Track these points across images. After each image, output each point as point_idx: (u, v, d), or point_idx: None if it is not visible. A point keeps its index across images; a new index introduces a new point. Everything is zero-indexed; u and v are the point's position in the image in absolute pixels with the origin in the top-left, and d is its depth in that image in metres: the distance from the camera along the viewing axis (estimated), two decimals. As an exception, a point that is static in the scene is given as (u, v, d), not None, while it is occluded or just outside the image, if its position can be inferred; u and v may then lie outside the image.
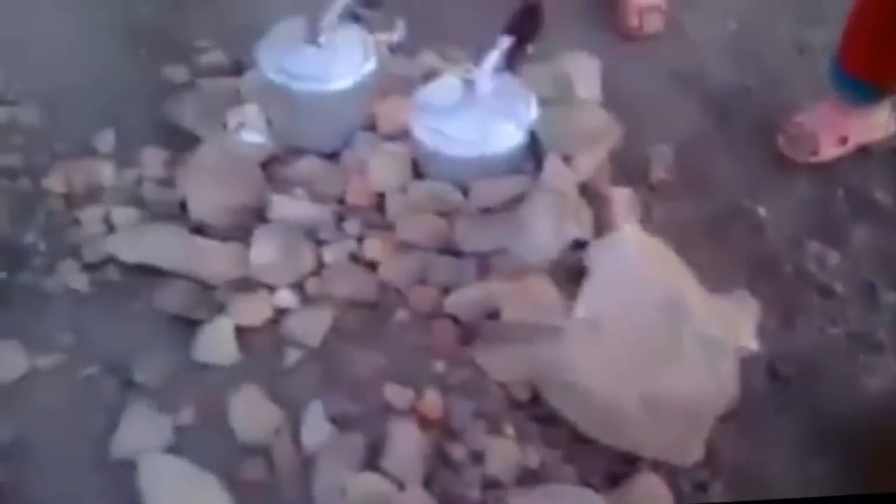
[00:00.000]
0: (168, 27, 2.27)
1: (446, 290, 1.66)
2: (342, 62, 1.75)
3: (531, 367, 1.52)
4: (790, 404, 1.60)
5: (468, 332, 1.63)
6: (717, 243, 1.82)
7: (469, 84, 1.68)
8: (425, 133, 1.69)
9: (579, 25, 2.23)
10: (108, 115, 2.03)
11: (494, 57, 1.70)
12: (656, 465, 1.47)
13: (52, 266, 1.77)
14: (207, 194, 1.74)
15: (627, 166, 1.88)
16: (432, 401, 1.52)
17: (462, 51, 2.11)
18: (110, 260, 1.75)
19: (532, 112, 1.71)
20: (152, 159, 1.92)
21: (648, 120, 1.98)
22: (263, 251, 1.64)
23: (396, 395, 1.54)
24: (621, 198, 1.72)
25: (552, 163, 1.62)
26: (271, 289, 1.65)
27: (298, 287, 1.66)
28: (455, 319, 1.64)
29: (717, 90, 2.14)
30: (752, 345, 1.55)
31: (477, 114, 1.68)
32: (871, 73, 1.83)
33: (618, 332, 1.39)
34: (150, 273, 1.71)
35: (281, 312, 1.65)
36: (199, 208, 1.74)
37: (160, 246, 1.69)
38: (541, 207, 1.58)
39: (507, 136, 1.68)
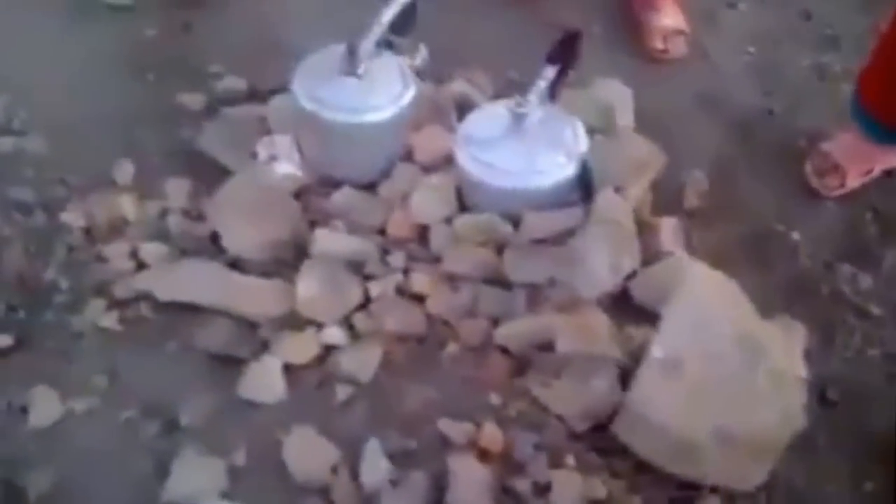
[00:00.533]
0: (176, 51, 2.31)
1: (496, 322, 1.72)
2: (382, 92, 1.81)
3: (594, 401, 1.58)
4: (839, 426, 1.69)
5: (520, 364, 1.69)
6: (754, 268, 1.91)
7: (517, 115, 1.75)
8: (472, 164, 1.75)
9: (603, 50, 2.32)
10: (122, 145, 2.06)
11: (541, 87, 1.77)
12: (715, 490, 1.55)
13: (78, 304, 1.79)
14: (243, 228, 1.78)
15: (662, 193, 1.97)
16: (493, 434, 1.58)
17: (487, 77, 2.20)
18: (141, 297, 1.78)
19: (581, 142, 1.78)
20: (176, 191, 1.96)
21: (678, 145, 2.06)
22: (309, 286, 1.68)
23: (454, 429, 1.59)
24: (668, 227, 1.80)
25: (607, 194, 1.70)
26: (318, 325, 1.69)
27: (346, 322, 1.71)
28: (505, 351, 1.70)
29: (742, 114, 2.24)
30: (802, 371, 1.63)
31: (525, 145, 1.75)
32: (885, 115, 1.95)
33: (695, 370, 1.46)
34: (185, 311, 1.75)
35: (329, 349, 1.69)
36: (235, 243, 1.77)
37: (197, 283, 1.73)
38: (597, 240, 1.65)
39: (557, 168, 1.75)
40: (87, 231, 1.90)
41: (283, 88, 2.11)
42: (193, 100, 2.17)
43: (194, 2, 2.40)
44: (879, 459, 1.63)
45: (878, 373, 1.77)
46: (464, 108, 2.05)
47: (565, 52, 1.87)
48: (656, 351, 1.48)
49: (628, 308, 1.75)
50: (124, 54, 2.28)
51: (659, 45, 2.34)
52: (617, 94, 2.09)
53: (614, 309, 1.74)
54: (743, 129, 2.21)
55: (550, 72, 1.82)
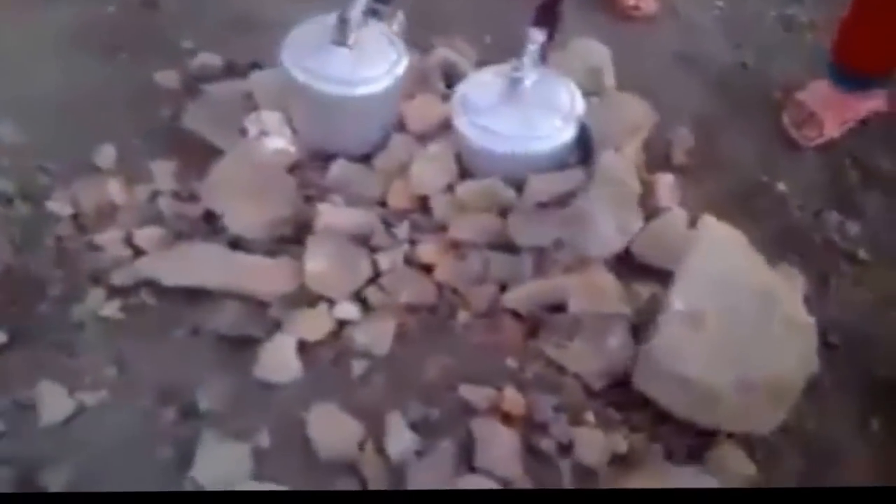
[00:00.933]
0: (144, 28, 2.24)
1: (505, 287, 1.73)
2: (375, 63, 1.79)
3: (609, 358, 1.60)
4: (842, 369, 1.74)
5: (532, 327, 1.70)
6: (745, 220, 1.91)
7: (514, 80, 1.74)
8: (472, 131, 1.75)
9: (576, 9, 2.31)
10: (100, 127, 2.00)
11: (533, 51, 1.77)
12: (731, 436, 1.59)
13: (74, 295, 1.74)
14: (243, 208, 1.75)
15: (650, 151, 1.99)
16: (514, 397, 1.59)
17: (469, 44, 2.19)
18: (142, 284, 1.73)
19: (578, 105, 1.79)
20: (163, 172, 1.91)
21: (659, 103, 2.07)
22: (318, 262, 1.66)
23: (475, 394, 1.60)
24: (664, 184, 1.82)
25: (609, 155, 1.71)
26: (330, 301, 1.68)
27: (357, 296, 1.70)
28: (516, 315, 1.71)
29: (717, 69, 2.28)
30: (809, 317, 1.67)
31: (524, 109, 1.75)
32: (867, 64, 2.00)
33: (715, 321, 1.49)
34: (189, 295, 1.71)
35: (342, 324, 1.68)
36: (237, 223, 1.74)
37: (202, 265, 1.69)
38: (603, 200, 1.67)
39: (556, 131, 1.75)
40: (75, 218, 1.85)
41: (260, 63, 2.09)
42: (169, 78, 2.11)
43: (158, -24, 2.33)
44: (884, 398, 1.69)
45: (873, 315, 1.83)
46: (450, 75, 2.05)
47: (549, 15, 1.87)
48: (677, 303, 1.50)
49: (631, 266, 1.78)
50: (90, 34, 2.21)
51: (630, 1, 2.35)
52: (595, 54, 2.10)
53: (618, 267, 1.76)
54: (720, 85, 2.25)
55: (539, 35, 1.82)
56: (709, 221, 1.62)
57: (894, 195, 2.04)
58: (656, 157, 2.00)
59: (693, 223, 1.77)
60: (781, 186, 2.03)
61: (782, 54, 2.33)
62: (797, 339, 1.53)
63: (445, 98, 1.94)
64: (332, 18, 1.78)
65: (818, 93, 2.12)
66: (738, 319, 1.50)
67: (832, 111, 2.09)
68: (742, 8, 2.45)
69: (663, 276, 1.74)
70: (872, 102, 2.13)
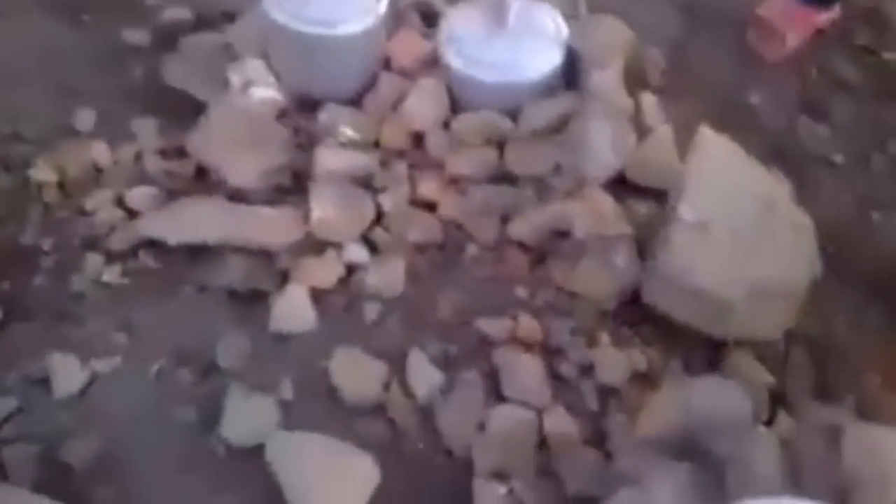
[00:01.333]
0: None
1: (507, 219, 1.62)
2: (358, 2, 1.64)
3: (618, 278, 1.52)
4: (835, 268, 1.68)
5: (538, 255, 1.61)
6: (725, 133, 1.87)
7: (500, 8, 1.61)
8: (462, 63, 1.62)
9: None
10: (74, 91, 1.83)
11: (512, -22, 1.64)
12: (740, 344, 1.53)
13: (70, 264, 1.59)
14: (236, 160, 1.60)
15: (626, 73, 1.88)
16: (530, 325, 1.50)
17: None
18: (140, 246, 1.59)
19: (562, 30, 1.67)
20: (145, 131, 1.75)
21: (630, 26, 1.97)
22: (324, 207, 1.54)
23: (491, 326, 1.51)
24: (649, 103, 1.73)
25: (598, 74, 1.60)
26: (337, 246, 1.55)
27: (364, 239, 1.57)
28: (521, 245, 1.61)
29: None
30: (805, 219, 1.60)
31: (512, 38, 1.63)
32: None
33: (722, 230, 1.41)
34: (191, 253, 1.57)
35: (351, 269, 1.56)
36: (232, 175, 1.59)
37: (203, 221, 1.55)
38: (598, 120, 1.57)
39: (546, 56, 1.64)
40: (61, 186, 1.68)
41: (232, 13, 1.92)
42: (138, 36, 1.94)
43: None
44: (876, 293, 1.64)
45: (855, 214, 1.77)
46: (425, 13, 1.90)
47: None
48: (685, 214, 1.41)
49: (626, 187, 1.68)
50: None
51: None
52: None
53: (614, 189, 1.67)
54: (686, 7, 2.15)
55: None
56: (707, 133, 1.53)
57: (860, 100, 1.98)
58: (633, 79, 1.89)
59: (679, 140, 1.69)
60: (754, 99, 1.96)
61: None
62: (800, 241, 1.47)
63: (426, 36, 1.80)
64: None
65: (778, 7, 2.03)
66: (744, 226, 1.43)
67: (793, 24, 2.01)
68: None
69: (658, 195, 1.67)
70: (828, 13, 2.05)
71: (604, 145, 1.56)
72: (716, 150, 1.51)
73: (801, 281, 1.46)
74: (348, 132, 1.58)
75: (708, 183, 1.45)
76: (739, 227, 1.42)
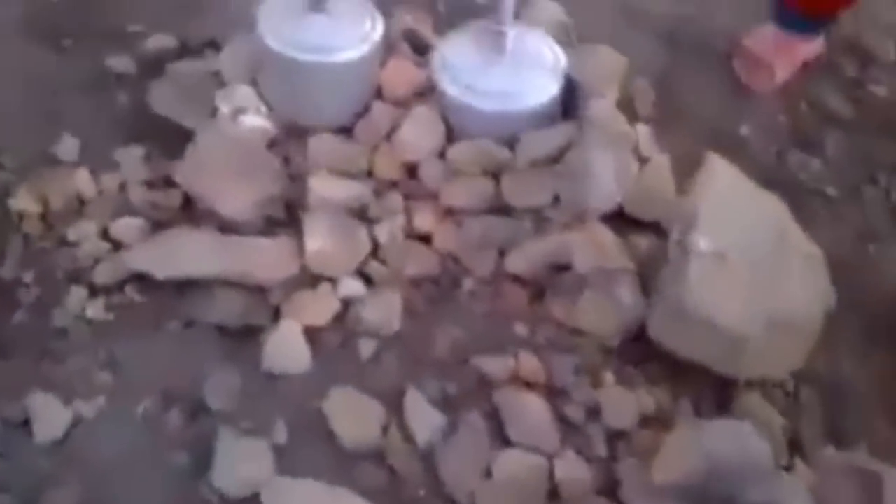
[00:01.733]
0: (86, 13, 1.91)
1: (505, 251, 1.51)
2: (352, 29, 1.53)
3: (622, 313, 1.41)
4: (838, 303, 1.58)
5: (537, 289, 1.50)
6: (716, 166, 1.78)
7: (497, 35, 1.50)
8: (458, 91, 1.51)
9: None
10: (57, 119, 1.69)
11: (510, 5, 1.53)
12: (750, 383, 1.42)
13: (52, 299, 1.45)
14: (226, 190, 1.47)
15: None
16: (531, 364, 1.39)
17: (428, 12, 1.93)
18: (126, 280, 1.45)
19: (560, 58, 1.57)
20: (129, 160, 1.62)
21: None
22: (319, 240, 1.41)
23: (491, 365, 1.39)
24: (644, 133, 1.62)
25: (598, 103, 1.50)
26: (332, 280, 1.43)
27: (360, 273, 1.45)
28: (519, 279, 1.50)
29: (664, 21, 2.07)
30: (816, 248, 1.50)
31: (509, 65, 1.52)
32: (815, 7, 1.84)
33: (739, 259, 1.30)
34: (180, 287, 1.43)
35: (347, 304, 1.43)
36: (222, 206, 1.46)
37: (193, 254, 1.41)
38: (600, 149, 1.46)
39: (543, 85, 1.53)
40: (43, 216, 1.54)
41: (217, 41, 1.80)
42: (123, 63, 1.80)
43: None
44: (881, 329, 1.55)
45: (851, 247, 1.68)
46: (413, 42, 1.79)
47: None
48: (701, 244, 1.30)
49: (622, 220, 1.57)
50: (30, 21, 1.87)
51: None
52: (552, 10, 1.87)
53: (610, 222, 1.56)
54: (669, 37, 2.05)
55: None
56: (715, 160, 1.43)
57: (850, 132, 1.89)
58: (624, 109, 1.79)
59: (676, 171, 1.59)
60: (744, 131, 1.86)
61: (721, 5, 2.14)
62: (813, 271, 1.37)
63: (418, 65, 1.69)
64: None
65: (765, 39, 1.95)
66: (760, 256, 1.32)
67: (781, 56, 1.93)
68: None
69: (656, 227, 1.56)
70: (814, 45, 1.97)
71: (606, 175, 1.46)
72: (724, 177, 1.41)
73: (816, 314, 1.36)
74: None
75: (721, 211, 1.35)
76: (755, 257, 1.32)
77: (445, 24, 1.85)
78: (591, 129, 1.47)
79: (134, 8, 1.92)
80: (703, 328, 1.29)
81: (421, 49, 1.76)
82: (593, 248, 1.46)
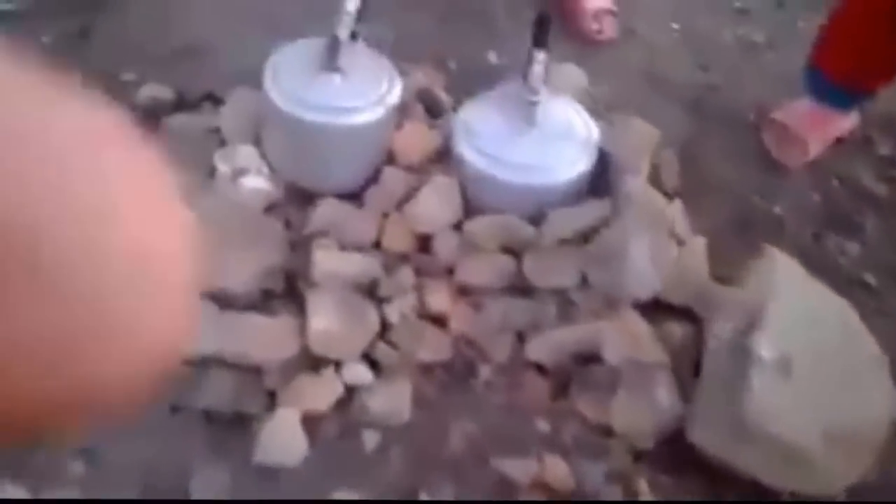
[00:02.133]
0: (79, 60, 1.81)
1: (525, 336, 1.40)
2: (369, 89, 1.43)
3: (658, 414, 1.30)
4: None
5: (560, 381, 1.38)
6: (749, 246, 1.67)
7: (529, 104, 1.41)
8: (481, 161, 1.42)
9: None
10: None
11: (540, 73, 1.45)
12: (796, 495, 1.30)
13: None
14: (220, 259, 1.35)
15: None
16: (557, 469, 1.27)
17: (440, 71, 1.85)
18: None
19: (592, 129, 1.48)
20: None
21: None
22: (324, 319, 1.29)
23: (513, 468, 1.27)
24: (678, 211, 1.53)
25: (634, 180, 1.41)
26: (336, 364, 1.31)
27: (367, 357, 1.33)
28: (541, 368, 1.38)
29: (689, 91, 2.01)
30: (879, 350, 1.40)
31: (539, 136, 1.43)
32: (855, 80, 1.77)
33: (804, 364, 1.19)
34: (165, 364, 1.31)
35: (351, 390, 1.31)
36: (215, 277, 1.34)
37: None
38: (636, 231, 1.36)
39: (575, 158, 1.44)
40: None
41: (215, 94, 1.70)
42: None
43: (92, 4, 1.90)
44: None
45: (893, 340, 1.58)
46: (427, 103, 1.70)
47: (545, 34, 1.56)
48: (765, 352, 1.19)
49: (655, 305, 1.47)
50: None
51: (593, 25, 2.07)
52: (575, 78, 1.80)
53: (640, 308, 1.45)
54: (694, 106, 1.98)
55: (542, 56, 1.50)
56: (772, 253, 1.33)
57: (887, 214, 1.81)
58: (653, 184, 1.70)
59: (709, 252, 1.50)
60: (777, 210, 1.77)
61: (748, 74, 2.08)
62: (878, 375, 1.26)
63: (431, 127, 1.60)
64: (315, 42, 1.42)
65: (798, 113, 1.87)
66: (825, 360, 1.22)
67: (815, 131, 1.85)
68: (697, 29, 2.19)
69: (688, 313, 1.46)
70: (849, 120, 1.90)
71: (643, 260, 1.36)
72: (785, 272, 1.31)
73: (881, 423, 1.25)
74: None
75: (783, 311, 1.25)
76: (819, 363, 1.21)
77: (457, 85, 1.79)
78: (627, 208, 1.37)
79: (127, 53, 1.83)
80: (759, 439, 1.17)
81: (434, 111, 1.68)
82: (626, 338, 1.35)
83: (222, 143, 1.53)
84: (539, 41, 1.51)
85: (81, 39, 1.88)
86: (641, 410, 1.30)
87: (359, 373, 1.30)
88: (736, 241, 1.67)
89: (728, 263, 1.53)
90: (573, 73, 1.80)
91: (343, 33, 1.40)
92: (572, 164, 1.43)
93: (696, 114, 1.96)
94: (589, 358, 1.37)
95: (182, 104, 1.70)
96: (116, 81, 1.76)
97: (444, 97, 1.72)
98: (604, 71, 1.96)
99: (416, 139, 1.53)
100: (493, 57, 1.99)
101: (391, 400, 1.30)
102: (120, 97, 1.72)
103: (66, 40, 1.86)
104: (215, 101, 1.68)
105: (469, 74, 1.87)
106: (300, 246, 1.44)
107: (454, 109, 1.61)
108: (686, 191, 1.75)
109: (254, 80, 1.51)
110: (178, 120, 1.60)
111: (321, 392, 1.28)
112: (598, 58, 2.03)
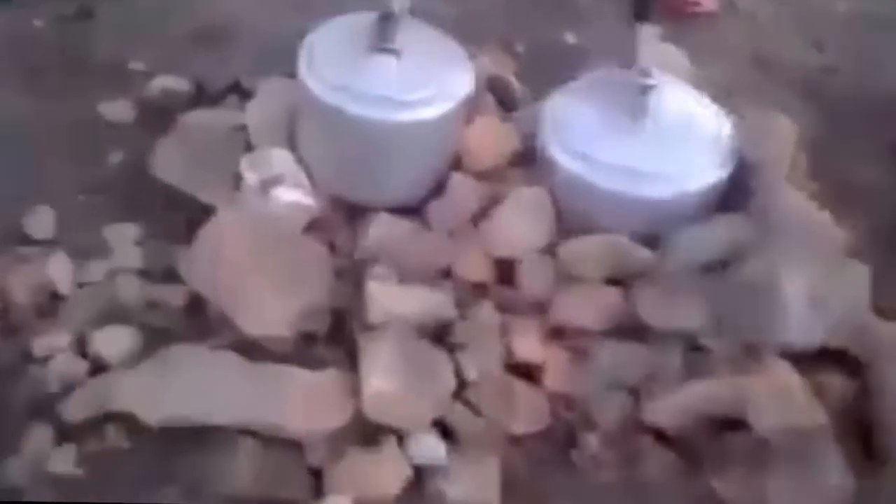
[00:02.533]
0: (79, 46, 1.63)
1: (637, 393, 1.11)
2: (434, 77, 1.16)
3: (827, 497, 1.00)
4: None
5: (688, 453, 1.09)
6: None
7: (642, 90, 1.12)
8: (582, 168, 1.13)
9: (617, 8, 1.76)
10: (31, 182, 1.37)
11: (649, 52, 1.16)
12: None
13: (7, 443, 1.08)
14: (253, 294, 1.09)
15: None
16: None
17: (508, 54, 1.60)
18: (109, 417, 1.07)
19: (723, 125, 1.18)
20: (121, 242, 1.31)
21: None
22: (381, 376, 1.01)
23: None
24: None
25: (786, 194, 1.11)
26: (399, 434, 1.02)
27: (439, 424, 1.04)
28: (662, 435, 1.09)
29: (803, 74, 1.76)
30: None
31: (657, 135, 1.13)
32: None
33: None
34: (183, 434, 1.05)
35: (420, 470, 1.02)
36: (245, 318, 1.07)
37: (199, 387, 1.02)
38: (792, 259, 1.05)
39: (706, 164, 1.14)
40: (3, 316, 1.19)
41: (241, 85, 1.50)
42: (118, 110, 1.51)
43: (93, -18, 1.68)
44: None
45: None
46: (498, 94, 1.42)
47: (645, 6, 1.28)
48: None
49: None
50: (12, 55, 1.58)
51: (691, -4, 1.79)
52: (674, 61, 1.51)
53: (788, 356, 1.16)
54: (813, 94, 1.70)
55: (650, 31, 1.22)
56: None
57: None
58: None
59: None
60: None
61: (871, 55, 1.78)
62: None
63: (506, 121, 1.32)
64: (361, 18, 1.16)
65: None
66: None
67: None
68: (809, 3, 1.90)
69: (843, 358, 1.16)
70: None
71: (800, 299, 1.05)
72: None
73: None
74: None
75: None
76: None
77: (529, 71, 1.58)
78: (779, 231, 1.07)
79: (134, 37, 1.66)
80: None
81: (507, 103, 1.41)
82: (778, 397, 1.06)
83: (249, 145, 1.28)
84: (640, 14, 1.23)
85: (80, 22, 1.66)
86: (799, 492, 1.01)
87: (430, 446, 1.03)
88: (893, 258, 1.38)
89: (890, 291, 1.24)
90: (672, 54, 1.51)
91: (399, 4, 1.11)
92: (703, 171, 1.14)
93: (816, 102, 1.69)
94: (726, 423, 1.08)
95: (201, 98, 1.52)
96: (122, 71, 1.58)
97: (517, 85, 1.45)
98: (702, 52, 1.69)
99: (489, 138, 1.26)
100: (570, 37, 1.77)
101: (474, 483, 1.02)
102: (127, 90, 1.51)
103: (62, 23, 1.64)
104: (241, 93, 1.49)
105: (542, 58, 1.68)
106: (348, 275, 1.19)
107: (533, 100, 1.33)
108: (823, 194, 1.46)
109: (287, 66, 1.28)
110: (197, 117, 1.39)
111: (382, 474, 1.01)
112: (695, 36, 1.76)
